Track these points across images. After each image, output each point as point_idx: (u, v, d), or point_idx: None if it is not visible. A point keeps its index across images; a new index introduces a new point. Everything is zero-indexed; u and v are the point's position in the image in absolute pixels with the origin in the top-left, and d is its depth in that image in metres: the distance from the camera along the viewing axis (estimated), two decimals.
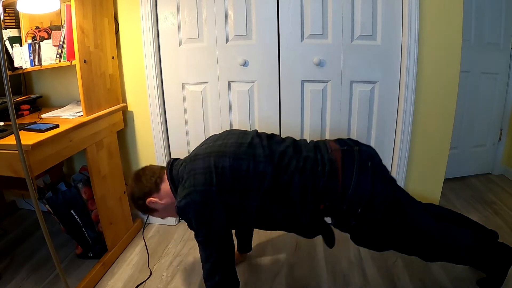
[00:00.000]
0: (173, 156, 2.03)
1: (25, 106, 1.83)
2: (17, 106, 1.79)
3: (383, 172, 1.25)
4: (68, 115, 1.67)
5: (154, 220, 2.14)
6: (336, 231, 1.32)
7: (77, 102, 1.91)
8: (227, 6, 1.76)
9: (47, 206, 1.69)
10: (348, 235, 1.32)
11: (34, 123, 1.54)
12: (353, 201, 1.15)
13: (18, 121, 1.56)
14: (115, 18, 1.83)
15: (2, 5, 1.45)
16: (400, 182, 1.86)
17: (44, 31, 1.66)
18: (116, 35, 1.85)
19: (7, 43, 1.68)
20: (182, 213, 1.19)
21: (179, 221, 2.13)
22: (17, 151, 1.20)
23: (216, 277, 1.20)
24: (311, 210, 1.19)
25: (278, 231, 1.97)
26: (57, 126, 1.46)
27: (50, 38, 1.62)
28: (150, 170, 1.35)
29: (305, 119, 1.88)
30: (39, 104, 1.95)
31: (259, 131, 1.36)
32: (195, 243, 1.90)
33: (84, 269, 1.72)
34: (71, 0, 1.48)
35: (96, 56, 1.66)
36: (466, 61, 2.12)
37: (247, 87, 1.86)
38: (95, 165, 1.68)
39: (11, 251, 1.91)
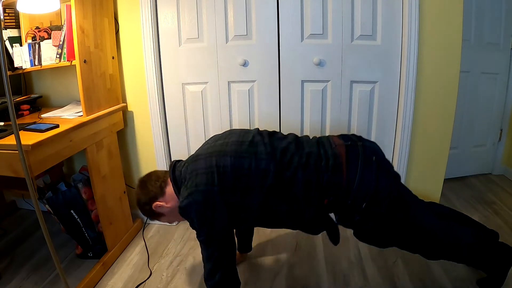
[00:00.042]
0: (172, 156, 2.04)
1: (25, 106, 1.83)
2: (17, 106, 1.79)
3: (387, 167, 1.25)
4: (68, 115, 1.67)
5: (154, 220, 2.14)
6: (340, 229, 1.32)
7: (77, 102, 1.91)
8: (227, 6, 1.76)
9: (47, 206, 1.69)
10: (348, 236, 1.32)
11: (34, 123, 1.54)
12: (358, 196, 1.15)
13: (18, 121, 1.56)
14: (115, 18, 1.83)
15: (2, 5, 1.45)
16: None
17: (44, 31, 1.66)
18: (116, 35, 1.85)
19: (7, 43, 1.68)
20: (184, 213, 1.19)
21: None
22: (17, 151, 1.20)
23: (216, 277, 1.20)
24: (315, 205, 1.19)
25: (278, 231, 1.98)
26: (57, 126, 1.46)
27: (50, 38, 1.62)
28: (155, 175, 1.36)
29: (305, 119, 1.88)
30: (39, 104, 1.95)
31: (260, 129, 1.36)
32: (195, 243, 1.90)
33: (84, 269, 1.72)
34: (71, 0, 1.48)
35: (96, 56, 1.66)
36: (466, 61, 2.12)
37: (247, 87, 1.86)
38: (95, 165, 1.68)
39: (11, 251, 1.91)
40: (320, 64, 1.76)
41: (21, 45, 1.71)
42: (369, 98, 1.80)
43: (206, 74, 1.87)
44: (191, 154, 1.98)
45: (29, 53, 1.62)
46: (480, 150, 2.56)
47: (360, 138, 1.28)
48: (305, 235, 1.94)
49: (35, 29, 1.70)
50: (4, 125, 1.53)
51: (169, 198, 1.30)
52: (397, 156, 1.84)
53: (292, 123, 1.87)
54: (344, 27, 1.71)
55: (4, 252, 1.91)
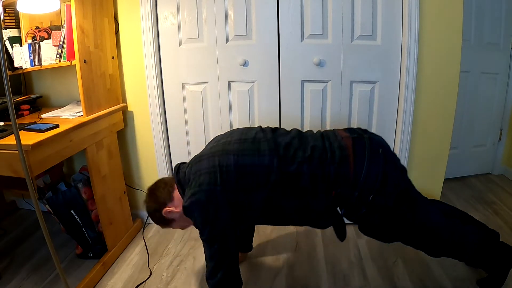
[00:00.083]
0: (172, 156, 2.04)
1: (25, 106, 1.83)
2: (17, 106, 1.79)
3: (394, 159, 1.25)
4: (68, 115, 1.67)
5: None
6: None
7: (77, 102, 1.91)
8: (227, 6, 1.76)
9: (47, 206, 1.69)
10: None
11: (34, 123, 1.54)
12: (365, 188, 1.15)
13: (18, 121, 1.56)
14: (115, 18, 1.83)
15: (2, 5, 1.45)
16: None
17: (44, 31, 1.66)
18: (116, 35, 1.85)
19: (7, 43, 1.68)
20: (188, 212, 1.20)
21: None
22: (17, 151, 1.20)
23: (218, 275, 1.21)
24: (323, 198, 1.19)
25: (278, 231, 1.98)
26: (57, 126, 1.46)
27: (50, 38, 1.62)
28: (162, 182, 1.37)
29: (305, 119, 1.88)
30: (39, 104, 1.95)
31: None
32: (195, 243, 1.90)
33: (84, 269, 1.72)
34: (71, 0, 1.48)
35: (96, 56, 1.66)
36: (466, 61, 2.12)
37: (247, 87, 1.86)
38: (95, 165, 1.68)
39: (11, 251, 1.91)
40: (320, 64, 1.76)
41: (21, 45, 1.71)
42: (369, 98, 1.80)
43: (206, 74, 1.87)
44: (191, 154, 2.02)
45: (29, 53, 1.62)
46: (480, 150, 2.56)
47: (365, 131, 1.29)
48: (305, 235, 1.94)
49: (35, 29, 1.70)
50: (4, 125, 1.53)
51: (178, 202, 1.30)
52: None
53: (292, 123, 1.87)
54: (344, 27, 1.71)
55: (4, 252, 1.91)
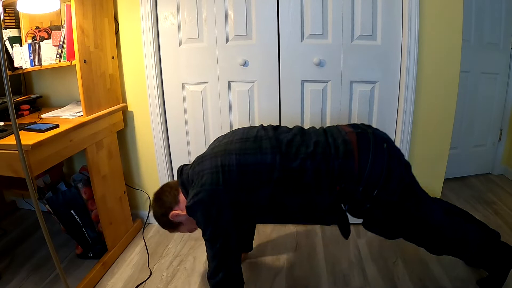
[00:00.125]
0: (172, 156, 2.04)
1: (25, 106, 1.83)
2: (17, 106, 1.79)
3: (398, 154, 1.25)
4: (68, 115, 1.67)
5: (154, 220, 2.13)
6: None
7: (77, 102, 1.91)
8: (227, 6, 1.76)
9: (47, 206, 1.69)
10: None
11: (34, 123, 1.54)
12: (370, 182, 1.15)
13: (18, 121, 1.56)
14: (115, 18, 1.83)
15: (2, 5, 1.45)
16: None
17: (44, 31, 1.66)
18: (116, 35, 1.85)
19: (7, 43, 1.68)
20: (191, 212, 1.21)
21: None
22: (17, 151, 1.20)
23: (220, 275, 1.21)
24: (327, 194, 1.18)
25: (278, 231, 1.98)
26: (57, 126, 1.46)
27: (50, 38, 1.62)
28: (167, 186, 1.38)
29: (305, 119, 1.88)
30: (39, 104, 1.95)
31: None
32: (195, 243, 1.90)
33: (84, 269, 1.72)
34: (71, 0, 1.48)
35: (96, 56, 1.66)
36: (466, 61, 2.12)
37: (247, 87, 1.86)
38: (95, 165, 1.68)
39: (11, 251, 1.91)
40: (320, 64, 1.76)
41: (21, 45, 1.71)
42: (369, 98, 1.80)
43: (206, 74, 1.87)
44: (191, 154, 2.02)
45: (29, 53, 1.62)
46: (480, 150, 2.56)
47: (369, 126, 1.29)
48: (305, 235, 1.94)
49: (35, 29, 1.70)
50: (4, 125, 1.53)
51: (184, 205, 1.30)
52: None
53: (292, 123, 1.85)
54: (344, 27, 1.71)
55: (4, 252, 1.91)
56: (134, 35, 1.84)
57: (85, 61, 1.57)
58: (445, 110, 1.78)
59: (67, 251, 1.89)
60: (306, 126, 1.87)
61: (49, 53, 1.61)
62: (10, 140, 1.31)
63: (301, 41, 1.76)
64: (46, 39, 1.64)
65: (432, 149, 1.84)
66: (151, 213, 2.13)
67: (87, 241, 1.79)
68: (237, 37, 1.79)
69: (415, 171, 1.86)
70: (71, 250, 1.88)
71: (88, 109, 1.62)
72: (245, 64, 1.81)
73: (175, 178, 2.05)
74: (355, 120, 1.84)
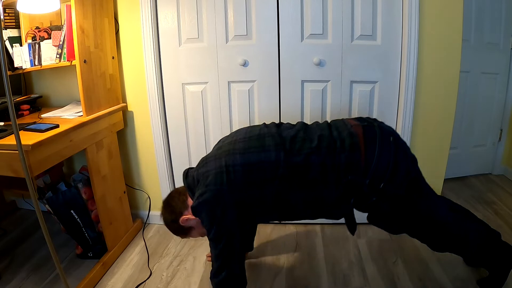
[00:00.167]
0: (172, 156, 2.04)
1: (25, 106, 1.83)
2: (17, 106, 1.79)
3: (405, 148, 1.24)
4: (68, 115, 1.67)
5: (154, 220, 2.14)
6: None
7: (77, 102, 1.91)
8: (227, 6, 1.76)
9: (47, 206, 1.69)
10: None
11: (34, 123, 1.54)
12: (376, 175, 1.14)
13: (18, 121, 1.56)
14: (115, 18, 1.83)
15: (2, 5, 1.45)
16: None
17: (44, 31, 1.66)
18: (116, 35, 1.85)
19: (7, 43, 1.68)
20: (196, 212, 1.21)
21: None
22: (17, 151, 1.20)
23: (222, 274, 1.21)
24: (334, 187, 1.17)
25: (278, 231, 1.98)
26: (57, 126, 1.46)
27: (50, 38, 1.62)
28: (175, 192, 1.38)
29: (305, 119, 1.87)
30: (39, 104, 1.95)
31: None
32: (195, 243, 1.90)
33: (84, 269, 1.72)
34: (71, 0, 1.48)
35: (96, 56, 1.66)
36: (466, 61, 2.12)
37: (247, 87, 1.86)
38: (95, 165, 1.68)
39: (11, 251, 1.91)
40: (320, 64, 1.76)
41: (21, 45, 1.71)
42: (369, 98, 1.80)
43: (206, 74, 1.87)
44: (191, 154, 2.02)
45: (29, 53, 1.62)
46: (480, 150, 2.56)
47: (375, 119, 1.29)
48: (305, 235, 1.94)
49: (35, 29, 1.70)
50: (4, 125, 1.53)
51: None
52: None
53: (292, 122, 1.87)
54: (344, 27, 1.71)
55: (4, 252, 1.91)
56: (134, 35, 1.84)
57: (85, 61, 1.57)
58: (445, 110, 1.78)
59: (67, 251, 1.89)
60: None
61: (49, 53, 1.61)
62: (10, 140, 1.31)
63: (301, 41, 1.76)
64: (46, 39, 1.64)
65: (432, 149, 1.84)
66: (151, 213, 2.14)
67: (87, 241, 1.79)
68: (237, 37, 1.79)
69: None
70: (71, 250, 1.88)
71: (88, 109, 1.62)
72: (245, 64, 1.81)
73: (175, 178, 2.07)
74: None
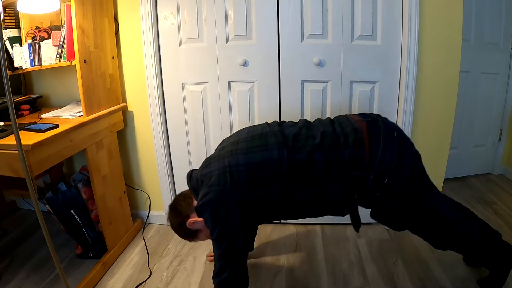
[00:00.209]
0: (172, 156, 2.04)
1: (25, 106, 1.83)
2: (17, 106, 1.79)
3: (409, 143, 1.24)
4: (68, 115, 1.67)
5: (154, 220, 2.14)
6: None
7: (77, 102, 1.91)
8: (227, 6, 1.76)
9: (47, 206, 1.69)
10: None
11: (34, 123, 1.54)
12: (380, 171, 1.14)
13: (18, 121, 1.56)
14: (115, 18, 1.83)
15: (2, 5, 1.45)
16: None
17: (44, 31, 1.66)
18: (116, 35, 1.85)
19: (7, 43, 1.68)
20: (200, 213, 1.21)
21: None
22: (17, 151, 1.20)
23: (225, 274, 1.21)
24: (338, 184, 1.17)
25: (278, 231, 1.98)
26: (57, 126, 1.46)
27: (50, 38, 1.62)
28: (181, 195, 1.38)
29: (305, 118, 1.87)
30: (39, 104, 1.95)
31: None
32: (195, 243, 1.90)
33: (84, 269, 1.72)
34: (71, 0, 1.48)
35: (96, 56, 1.66)
36: (466, 61, 2.12)
37: (247, 87, 1.86)
38: (95, 165, 1.68)
39: (11, 251, 1.91)
40: (320, 64, 1.76)
41: (21, 45, 1.71)
42: (369, 98, 1.80)
43: (206, 74, 1.87)
44: (191, 154, 2.02)
45: (29, 53, 1.62)
46: (480, 150, 2.56)
47: (378, 115, 1.28)
48: (305, 235, 1.94)
49: (35, 29, 1.70)
50: (4, 125, 1.53)
51: None
52: None
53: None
54: (344, 27, 1.71)
55: (4, 252, 1.91)
56: (134, 35, 1.84)
57: (85, 61, 1.57)
58: (445, 110, 1.78)
59: (67, 251, 1.89)
60: None
61: (49, 53, 1.61)
62: (10, 140, 1.31)
63: (301, 41, 1.76)
64: (46, 39, 1.64)
65: (432, 149, 1.84)
66: (151, 213, 2.14)
67: (87, 241, 1.79)
68: (237, 37, 1.79)
69: None
70: (71, 250, 1.88)
71: (88, 109, 1.62)
72: (245, 64, 1.81)
73: (175, 178, 2.07)
74: None
